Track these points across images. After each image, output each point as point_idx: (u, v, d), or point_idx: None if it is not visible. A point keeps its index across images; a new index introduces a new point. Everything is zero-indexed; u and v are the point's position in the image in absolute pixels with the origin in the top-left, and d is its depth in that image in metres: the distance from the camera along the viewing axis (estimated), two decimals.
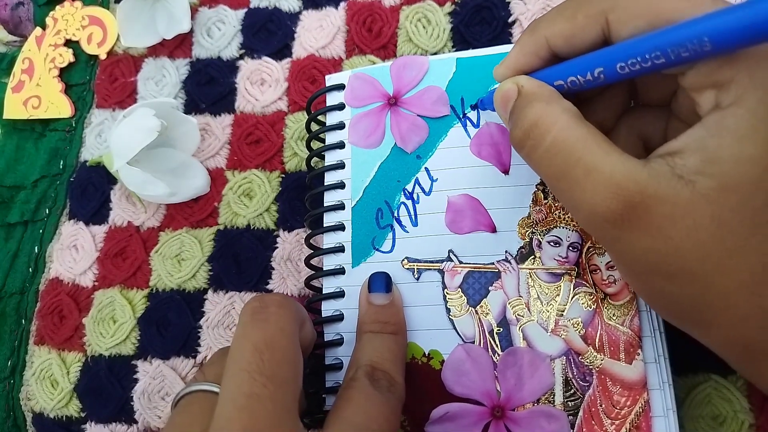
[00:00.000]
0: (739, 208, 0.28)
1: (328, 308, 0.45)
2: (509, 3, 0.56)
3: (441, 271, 0.43)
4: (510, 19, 0.55)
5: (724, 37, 0.27)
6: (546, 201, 0.42)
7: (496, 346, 0.41)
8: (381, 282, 0.42)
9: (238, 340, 0.34)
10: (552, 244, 0.41)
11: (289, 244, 0.53)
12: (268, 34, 0.59)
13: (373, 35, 0.57)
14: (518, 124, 0.34)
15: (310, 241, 0.48)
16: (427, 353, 0.42)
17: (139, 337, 0.52)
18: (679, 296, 0.31)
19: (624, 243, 0.31)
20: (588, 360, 0.39)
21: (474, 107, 0.44)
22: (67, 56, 0.61)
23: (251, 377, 0.31)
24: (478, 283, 0.42)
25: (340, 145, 0.47)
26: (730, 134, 0.28)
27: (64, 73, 0.62)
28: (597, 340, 0.39)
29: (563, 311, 0.40)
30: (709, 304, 0.30)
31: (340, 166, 0.46)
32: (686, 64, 0.30)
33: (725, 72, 0.29)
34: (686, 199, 0.29)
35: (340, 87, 0.48)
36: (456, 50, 0.55)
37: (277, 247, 0.53)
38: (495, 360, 0.40)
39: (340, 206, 0.46)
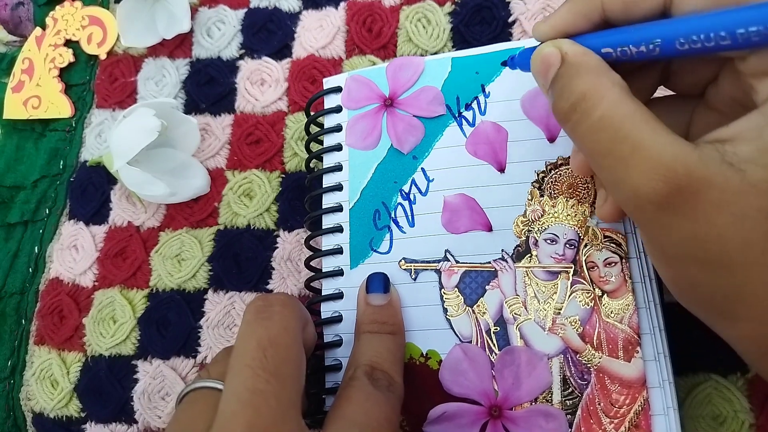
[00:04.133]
0: None
1: (327, 310, 0.45)
2: (509, 3, 0.56)
3: (438, 271, 0.42)
4: (510, 19, 0.55)
5: None
6: (542, 198, 0.42)
7: (494, 345, 0.40)
8: (379, 283, 0.42)
9: (242, 338, 0.34)
10: (548, 241, 0.41)
11: (289, 244, 0.53)
12: (268, 34, 0.59)
13: (373, 35, 0.57)
14: (564, 96, 0.32)
15: (310, 242, 0.48)
16: (424, 353, 0.42)
17: (139, 337, 0.52)
18: (711, 286, 0.30)
19: (665, 226, 0.30)
20: (586, 358, 0.39)
21: (504, 63, 0.41)
22: (67, 56, 0.62)
23: (255, 373, 0.32)
24: (475, 283, 0.42)
25: (338, 148, 0.47)
26: None
27: (64, 73, 0.62)
28: (595, 338, 0.39)
29: (560, 309, 0.40)
30: (742, 297, 0.29)
31: (338, 168, 0.46)
32: (751, 49, 0.29)
33: None
34: (735, 187, 0.28)
35: (338, 90, 0.48)
36: (456, 50, 0.55)
37: (277, 247, 0.53)
38: (492, 359, 0.40)
39: (338, 208, 0.46)
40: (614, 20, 0.33)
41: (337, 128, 0.47)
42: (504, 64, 0.41)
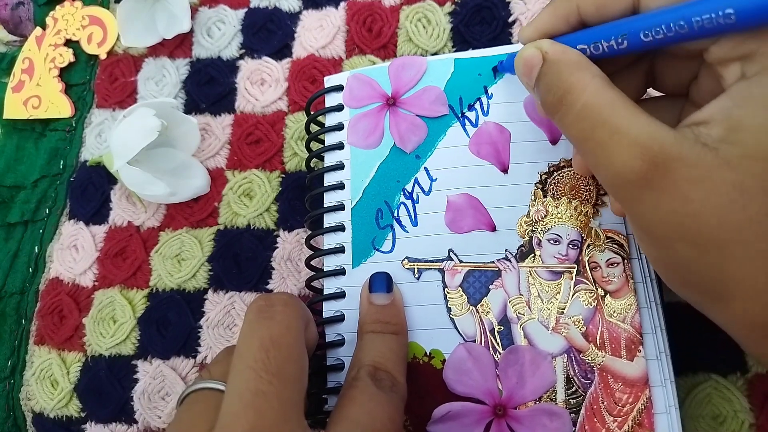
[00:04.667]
0: (762, 175, 0.28)
1: (329, 309, 0.45)
2: (509, 3, 0.56)
3: (441, 271, 0.43)
4: (510, 19, 0.55)
5: (750, 11, 0.27)
6: (545, 199, 0.42)
7: (497, 344, 0.41)
8: (382, 282, 0.42)
9: (244, 338, 0.34)
10: (552, 242, 0.41)
11: (290, 244, 0.53)
12: (268, 34, 0.59)
13: (373, 35, 0.57)
14: (551, 91, 0.34)
15: (311, 242, 0.48)
16: (428, 353, 0.42)
17: (139, 337, 0.52)
18: (698, 266, 0.31)
19: (645, 204, 0.31)
20: (589, 357, 0.39)
21: (495, 69, 0.44)
22: (67, 56, 0.61)
23: (257, 374, 0.31)
24: (479, 282, 0.42)
25: (340, 146, 0.47)
26: (755, 102, 0.29)
27: (64, 73, 0.62)
28: (598, 338, 0.39)
29: (564, 309, 0.40)
30: (728, 275, 0.30)
31: (340, 167, 0.46)
32: (711, 38, 0.31)
33: (750, 44, 0.29)
34: (708, 163, 0.29)
35: (339, 88, 0.48)
36: (456, 50, 0.55)
37: (277, 247, 0.53)
38: (496, 359, 0.40)
39: (340, 207, 0.46)
40: (589, 21, 0.35)
41: (339, 127, 0.47)
42: (495, 70, 0.44)
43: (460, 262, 0.42)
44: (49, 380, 0.52)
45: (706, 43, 0.31)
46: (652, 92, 0.40)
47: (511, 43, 0.54)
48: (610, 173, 0.32)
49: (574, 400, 0.39)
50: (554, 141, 0.43)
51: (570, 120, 0.33)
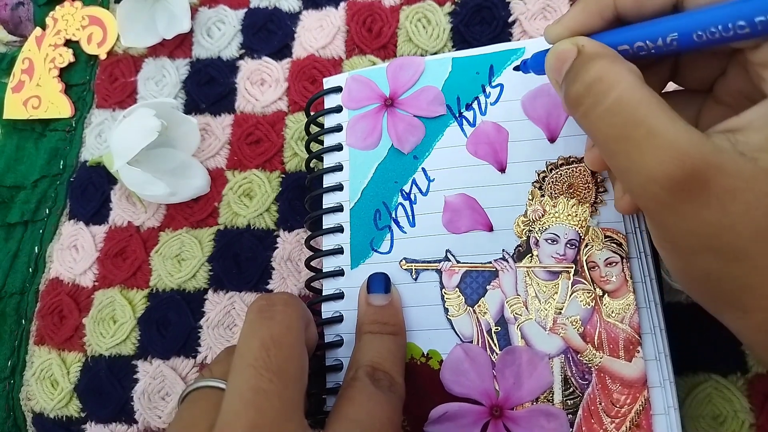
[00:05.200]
0: None
1: (327, 310, 0.45)
2: (509, 3, 0.56)
3: (439, 271, 0.42)
4: (510, 19, 0.55)
5: None
6: (543, 198, 0.42)
7: (495, 345, 0.40)
8: (380, 283, 0.42)
9: (245, 337, 0.34)
10: (549, 241, 0.41)
11: (289, 244, 0.53)
12: (268, 34, 0.59)
13: (373, 35, 0.57)
14: (578, 79, 0.32)
15: (310, 243, 0.48)
16: (425, 353, 0.42)
17: (139, 337, 0.52)
18: (722, 276, 0.30)
19: (678, 213, 0.29)
20: (587, 358, 0.39)
21: (517, 68, 0.42)
22: (67, 56, 0.62)
23: (258, 373, 0.32)
24: (476, 283, 0.42)
25: (338, 148, 0.47)
26: None
27: (64, 73, 0.62)
28: (596, 338, 0.39)
29: (561, 309, 0.40)
30: (753, 286, 0.29)
31: (338, 168, 0.46)
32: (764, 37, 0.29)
33: None
34: (748, 174, 0.28)
35: (338, 89, 0.48)
36: (456, 50, 0.55)
37: (277, 247, 0.53)
38: (493, 359, 0.40)
39: (339, 208, 0.46)
40: (627, 17, 0.33)
41: (338, 128, 0.47)
42: (517, 69, 0.42)
43: (458, 262, 0.42)
44: (49, 380, 0.53)
45: (757, 41, 0.29)
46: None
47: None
48: (642, 178, 0.30)
49: (572, 401, 0.39)
50: (552, 139, 0.43)
51: (598, 113, 0.31)
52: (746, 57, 0.31)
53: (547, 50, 0.35)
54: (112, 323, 0.53)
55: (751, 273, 0.29)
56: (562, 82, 0.34)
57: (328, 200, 0.46)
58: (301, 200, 0.53)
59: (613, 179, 0.40)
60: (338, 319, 0.44)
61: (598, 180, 0.41)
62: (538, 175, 0.42)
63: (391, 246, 0.44)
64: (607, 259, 0.40)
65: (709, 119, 0.30)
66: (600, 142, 0.32)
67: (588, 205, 0.41)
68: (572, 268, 0.40)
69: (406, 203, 0.44)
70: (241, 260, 0.53)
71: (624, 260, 0.40)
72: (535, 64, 0.39)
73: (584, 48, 0.33)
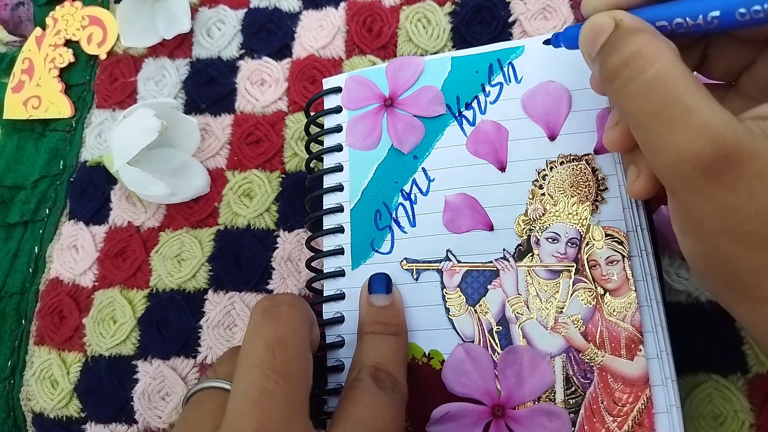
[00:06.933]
0: None
1: (328, 310, 0.45)
2: (509, 3, 0.56)
3: (440, 271, 0.42)
4: (510, 19, 0.55)
5: None
6: (543, 197, 0.42)
7: (496, 344, 0.40)
8: (381, 283, 0.42)
9: (249, 338, 0.34)
10: (550, 240, 0.41)
11: (290, 244, 0.53)
12: (268, 34, 0.59)
13: (373, 35, 0.57)
14: (616, 52, 0.31)
15: (311, 243, 0.48)
16: (427, 353, 0.42)
17: (139, 337, 0.52)
18: (742, 263, 0.30)
19: (705, 195, 0.29)
20: (589, 357, 0.39)
21: (548, 42, 0.41)
22: (67, 56, 0.62)
23: (263, 373, 0.32)
24: (477, 282, 0.42)
25: (338, 148, 0.47)
26: None
27: (64, 73, 0.62)
28: (597, 337, 0.39)
29: (563, 308, 0.40)
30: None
31: (339, 168, 0.46)
32: None
33: None
34: None
35: (338, 90, 0.48)
36: (456, 50, 0.55)
37: (277, 247, 0.53)
38: (495, 359, 0.40)
39: (339, 209, 0.46)
40: None
41: (338, 129, 0.47)
42: (547, 42, 0.41)
43: (458, 262, 0.42)
44: (49, 380, 0.52)
45: None
46: None
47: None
48: (673, 156, 0.29)
49: (574, 400, 0.39)
50: (552, 137, 0.43)
51: (635, 87, 0.30)
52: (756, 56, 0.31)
53: (580, 24, 0.35)
54: (112, 323, 0.53)
55: None
56: (596, 55, 0.33)
57: (329, 201, 0.46)
58: (301, 200, 0.53)
59: (627, 162, 0.39)
60: (339, 320, 0.44)
61: (599, 178, 0.41)
62: (539, 173, 0.42)
63: (392, 246, 0.44)
64: (608, 257, 0.40)
65: (731, 111, 0.30)
66: (633, 116, 0.32)
67: (589, 203, 0.41)
68: (573, 266, 0.40)
69: (407, 203, 0.44)
70: (241, 260, 0.53)
71: (625, 259, 0.40)
72: (567, 38, 0.38)
73: (622, 22, 0.32)
